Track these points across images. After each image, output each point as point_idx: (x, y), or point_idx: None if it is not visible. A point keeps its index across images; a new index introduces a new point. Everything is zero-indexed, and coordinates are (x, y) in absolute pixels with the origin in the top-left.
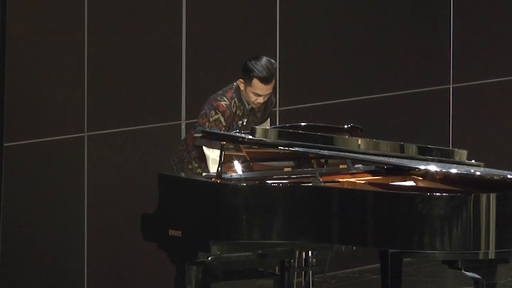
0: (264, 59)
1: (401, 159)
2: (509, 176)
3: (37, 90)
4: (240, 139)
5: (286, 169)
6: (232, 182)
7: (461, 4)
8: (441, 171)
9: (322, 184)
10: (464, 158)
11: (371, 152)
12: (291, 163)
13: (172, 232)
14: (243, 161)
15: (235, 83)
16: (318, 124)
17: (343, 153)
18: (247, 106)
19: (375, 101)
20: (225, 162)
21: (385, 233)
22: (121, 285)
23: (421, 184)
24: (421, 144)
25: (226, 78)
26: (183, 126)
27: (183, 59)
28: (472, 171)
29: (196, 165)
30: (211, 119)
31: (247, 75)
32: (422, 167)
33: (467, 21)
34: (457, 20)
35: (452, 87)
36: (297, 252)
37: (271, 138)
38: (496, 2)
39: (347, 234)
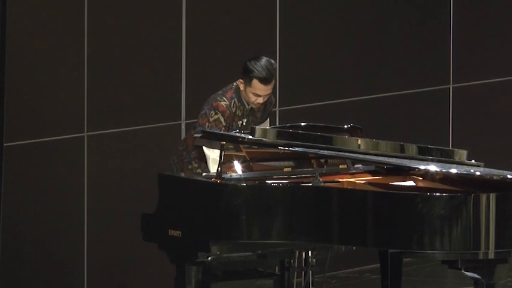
0: (264, 60)
1: (401, 159)
2: (509, 176)
3: (37, 90)
4: (240, 139)
5: (286, 169)
6: (232, 182)
7: (461, 4)
8: (441, 171)
9: (322, 184)
10: (464, 158)
11: (371, 152)
12: (291, 163)
13: (172, 232)
14: (242, 161)
15: (235, 83)
16: (317, 124)
17: (343, 153)
18: (247, 106)
19: (375, 101)
20: (225, 162)
21: (385, 233)
22: (121, 285)
23: (421, 184)
24: (421, 144)
25: (226, 78)
26: (183, 126)
27: (183, 59)
28: (472, 171)
29: (196, 165)
30: (211, 119)
31: (247, 75)
32: (422, 167)
33: (467, 21)
34: (457, 20)
35: (452, 87)
36: (297, 252)
37: (271, 138)
38: (496, 2)
39: (347, 234)
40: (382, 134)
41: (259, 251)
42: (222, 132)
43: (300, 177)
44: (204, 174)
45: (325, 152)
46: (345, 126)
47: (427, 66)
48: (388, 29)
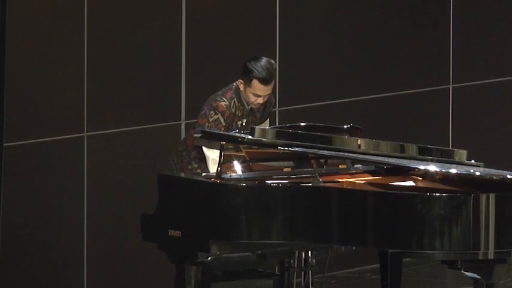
0: (264, 60)
1: (401, 160)
2: (508, 176)
3: (37, 90)
4: (240, 139)
5: (285, 169)
6: (232, 182)
7: (461, 4)
8: (441, 171)
9: (322, 184)
10: (464, 158)
11: (371, 152)
12: (291, 163)
13: (172, 232)
14: (242, 161)
15: (234, 84)
16: (317, 124)
17: (342, 154)
18: (246, 106)
19: (375, 101)
20: (224, 163)
21: (385, 233)
22: (121, 285)
23: (420, 184)
24: (421, 144)
25: (226, 78)
26: (183, 127)
27: (183, 59)
28: (472, 171)
29: (196, 165)
30: (210, 119)
31: (247, 75)
32: (422, 167)
33: (467, 21)
34: (457, 20)
35: (452, 87)
36: (297, 252)
37: (271, 138)
38: (496, 2)
39: (347, 235)
40: (382, 134)
41: (259, 251)
42: (221, 132)
43: (300, 178)
44: (203, 174)
45: (325, 152)
46: (345, 126)
47: (427, 66)
48: (388, 29)
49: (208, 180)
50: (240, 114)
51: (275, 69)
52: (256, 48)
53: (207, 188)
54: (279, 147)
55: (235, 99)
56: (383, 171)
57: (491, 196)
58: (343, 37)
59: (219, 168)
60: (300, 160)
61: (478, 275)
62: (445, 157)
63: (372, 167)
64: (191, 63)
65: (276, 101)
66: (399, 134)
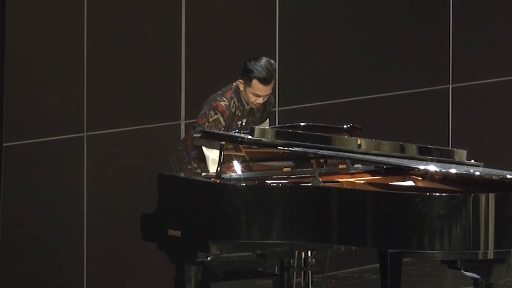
0: (264, 60)
1: (401, 159)
2: (508, 176)
3: (37, 90)
4: (240, 139)
5: (285, 169)
6: (232, 182)
7: (461, 4)
8: (441, 171)
9: (322, 184)
10: (464, 158)
11: (370, 152)
12: (291, 163)
13: (171, 232)
14: (242, 161)
15: (234, 83)
16: (317, 124)
17: (342, 153)
18: (246, 106)
19: (375, 101)
20: (224, 162)
21: (385, 233)
22: (121, 285)
23: (420, 184)
24: (421, 144)
25: (226, 78)
26: (183, 126)
27: (183, 59)
28: (472, 171)
29: (195, 165)
30: (210, 119)
31: (247, 75)
32: (421, 167)
33: (467, 21)
34: (457, 20)
35: (452, 87)
36: (297, 252)
37: (270, 138)
38: (496, 2)
39: (346, 234)
40: (382, 134)
41: (259, 251)
42: (221, 132)
43: (300, 177)
44: (203, 174)
45: (325, 152)
46: (345, 126)
47: (427, 66)
48: (388, 29)
49: (208, 180)
50: (239, 114)
51: (275, 69)
52: (256, 48)
53: (206, 188)
54: (278, 147)
55: (235, 99)
56: (383, 171)
57: (491, 196)
58: (343, 37)
59: (219, 168)
60: (300, 160)
61: (477, 274)
62: (445, 157)
63: (372, 167)
64: (191, 63)
65: (276, 101)
66: (399, 134)
